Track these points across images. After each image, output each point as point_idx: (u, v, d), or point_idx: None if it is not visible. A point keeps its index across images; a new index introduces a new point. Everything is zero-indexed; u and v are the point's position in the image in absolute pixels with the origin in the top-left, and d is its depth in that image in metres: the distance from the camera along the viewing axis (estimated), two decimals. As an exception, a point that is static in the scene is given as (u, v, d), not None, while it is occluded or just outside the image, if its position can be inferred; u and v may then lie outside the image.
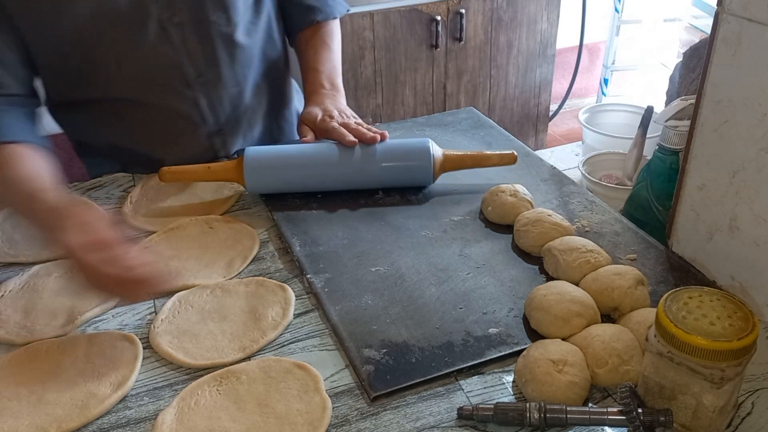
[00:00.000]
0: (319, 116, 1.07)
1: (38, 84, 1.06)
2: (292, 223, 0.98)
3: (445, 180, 1.06)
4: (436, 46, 2.40)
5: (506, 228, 0.96)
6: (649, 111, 1.96)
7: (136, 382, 0.74)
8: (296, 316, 0.82)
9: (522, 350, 0.74)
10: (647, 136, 1.98)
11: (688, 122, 0.88)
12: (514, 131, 2.40)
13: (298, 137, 1.10)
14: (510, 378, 0.73)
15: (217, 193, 1.06)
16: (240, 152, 1.04)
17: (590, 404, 0.70)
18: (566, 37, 3.01)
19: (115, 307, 0.84)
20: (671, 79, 2.04)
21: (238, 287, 0.86)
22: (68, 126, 1.18)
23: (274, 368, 0.74)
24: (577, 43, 3.04)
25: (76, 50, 1.00)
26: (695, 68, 1.87)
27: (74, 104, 1.10)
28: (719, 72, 0.79)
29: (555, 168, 1.12)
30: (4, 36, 0.96)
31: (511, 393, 0.71)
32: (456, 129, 1.25)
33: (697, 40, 2.18)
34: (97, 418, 0.69)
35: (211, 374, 0.73)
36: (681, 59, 1.99)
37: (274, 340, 0.78)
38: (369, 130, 1.04)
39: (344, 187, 1.04)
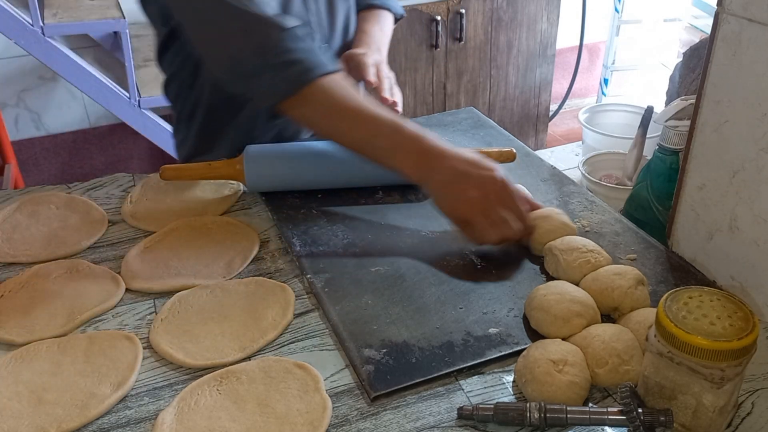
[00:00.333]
0: (360, 54, 1.09)
1: None
2: (292, 223, 0.98)
3: (445, 180, 1.06)
4: (436, 46, 2.40)
5: (506, 228, 0.96)
6: (649, 111, 1.96)
7: (136, 382, 0.74)
8: (296, 316, 0.82)
9: (522, 350, 0.74)
10: (647, 136, 1.98)
11: (688, 122, 0.88)
12: (514, 131, 2.40)
13: None
14: (510, 378, 0.73)
15: (216, 193, 1.06)
16: (240, 150, 1.04)
17: (590, 404, 0.70)
18: (566, 37, 3.02)
19: (115, 307, 0.84)
20: (671, 79, 2.04)
21: (238, 287, 0.86)
22: (212, 93, 1.12)
23: (274, 368, 0.74)
24: (577, 43, 3.04)
25: None
26: (695, 68, 1.87)
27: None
28: (719, 72, 0.79)
29: (555, 168, 1.12)
30: None
31: (511, 393, 0.71)
32: (456, 129, 1.25)
33: (697, 40, 2.18)
34: (97, 418, 0.69)
35: (211, 374, 0.73)
36: (681, 59, 1.99)
37: (274, 340, 0.78)
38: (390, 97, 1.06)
39: (345, 185, 1.04)
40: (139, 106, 2.19)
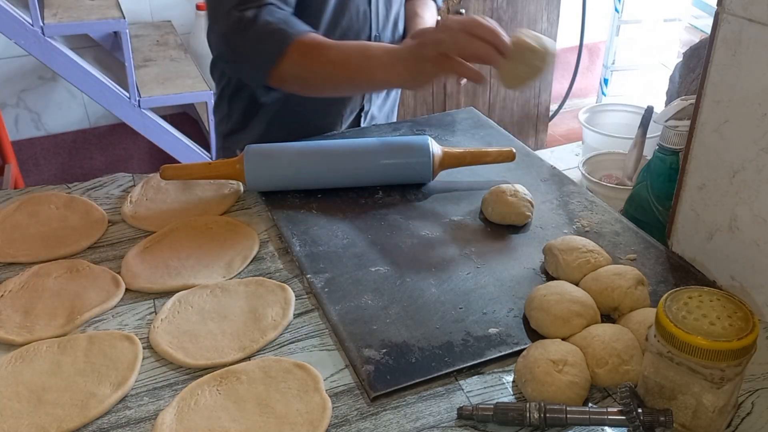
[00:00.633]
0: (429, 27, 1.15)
1: None
2: (292, 223, 0.98)
3: (445, 180, 1.07)
4: (436, 46, 2.40)
5: (506, 228, 0.96)
6: (649, 111, 1.96)
7: (136, 382, 0.74)
8: (296, 316, 0.82)
9: (522, 350, 0.74)
10: (647, 136, 1.98)
11: (688, 122, 0.88)
12: (514, 131, 2.40)
13: None
14: (510, 378, 0.73)
15: (216, 193, 1.06)
16: (241, 150, 1.04)
17: (590, 404, 0.70)
18: (566, 37, 3.02)
19: (115, 307, 0.84)
20: (671, 79, 2.04)
21: (238, 287, 0.86)
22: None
23: (274, 368, 0.74)
24: (577, 43, 3.04)
25: None
26: (695, 68, 1.87)
27: None
28: (719, 72, 0.79)
29: (555, 168, 1.12)
30: None
31: (511, 393, 0.71)
32: (456, 129, 1.25)
33: (697, 40, 2.18)
34: (97, 418, 0.69)
35: (211, 374, 0.73)
36: (681, 59, 1.99)
37: (274, 340, 0.78)
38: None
39: (344, 184, 1.05)
40: (139, 106, 2.19)
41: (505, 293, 0.84)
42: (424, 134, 1.22)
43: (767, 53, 0.73)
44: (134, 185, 1.09)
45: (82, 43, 2.50)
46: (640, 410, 0.63)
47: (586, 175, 2.19)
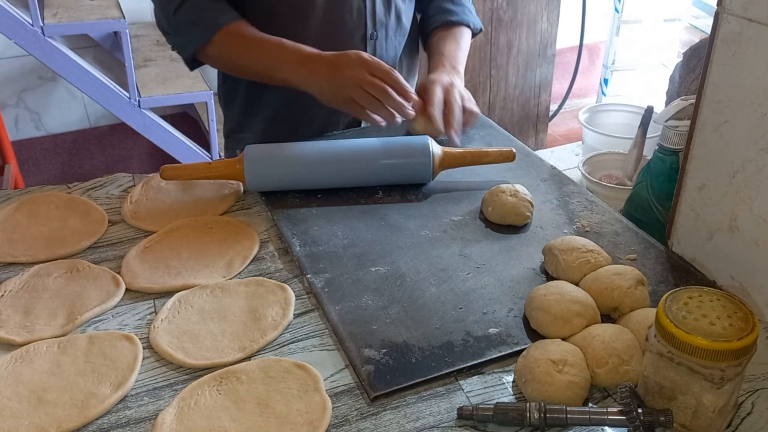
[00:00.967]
0: (430, 80, 1.12)
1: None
2: (292, 223, 0.98)
3: (445, 180, 1.07)
4: (436, 46, 2.40)
5: (506, 228, 0.96)
6: (649, 111, 1.96)
7: (136, 382, 0.74)
8: (296, 316, 0.82)
9: (522, 350, 0.74)
10: (647, 136, 1.98)
11: (688, 122, 0.88)
12: (514, 131, 2.39)
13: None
14: (510, 378, 0.73)
15: (216, 193, 1.06)
16: (241, 150, 1.04)
17: (590, 404, 0.70)
18: (566, 37, 3.02)
19: (115, 307, 0.84)
20: (671, 79, 2.04)
21: (238, 287, 0.86)
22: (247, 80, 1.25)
23: (274, 368, 0.74)
24: (577, 43, 3.04)
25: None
26: (695, 68, 1.87)
27: None
28: (719, 72, 0.79)
29: (555, 168, 1.12)
30: None
31: (511, 393, 0.71)
32: (456, 129, 1.25)
33: (697, 40, 2.18)
34: (97, 418, 0.69)
35: (211, 374, 0.73)
36: (681, 59, 1.99)
37: (274, 340, 0.78)
38: (460, 122, 1.11)
39: (344, 184, 1.05)
40: (139, 106, 2.19)
41: (505, 293, 0.84)
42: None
43: (767, 53, 0.73)
44: (134, 185, 1.09)
45: (82, 43, 2.50)
46: (640, 410, 0.63)
47: (586, 175, 2.19)
